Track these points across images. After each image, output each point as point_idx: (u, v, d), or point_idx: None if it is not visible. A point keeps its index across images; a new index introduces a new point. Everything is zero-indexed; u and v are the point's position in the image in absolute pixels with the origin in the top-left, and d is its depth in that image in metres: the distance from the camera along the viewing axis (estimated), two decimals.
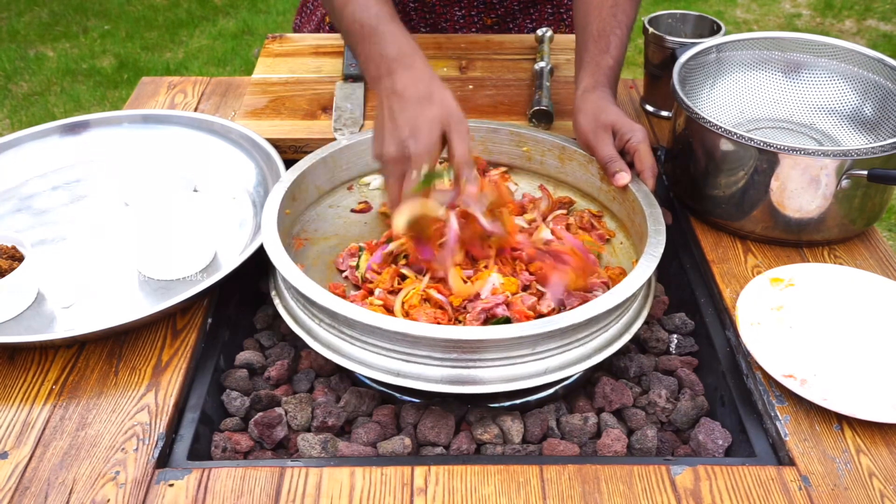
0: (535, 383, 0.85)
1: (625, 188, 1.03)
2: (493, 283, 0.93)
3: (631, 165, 1.03)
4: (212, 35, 3.92)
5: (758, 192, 1.05)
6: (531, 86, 1.35)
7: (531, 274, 0.97)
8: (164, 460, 0.82)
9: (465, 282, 0.93)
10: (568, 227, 1.07)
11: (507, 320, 0.89)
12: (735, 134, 1.03)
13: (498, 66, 1.42)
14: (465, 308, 0.92)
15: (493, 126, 1.17)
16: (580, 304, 0.90)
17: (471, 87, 1.36)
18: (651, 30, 1.30)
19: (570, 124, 1.11)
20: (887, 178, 1.00)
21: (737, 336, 0.95)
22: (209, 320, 0.99)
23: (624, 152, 1.04)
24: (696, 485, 0.79)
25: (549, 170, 1.16)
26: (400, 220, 0.90)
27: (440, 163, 0.91)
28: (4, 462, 0.81)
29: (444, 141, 0.89)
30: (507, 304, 0.91)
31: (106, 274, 1.04)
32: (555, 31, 1.54)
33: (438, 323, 0.90)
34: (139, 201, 1.06)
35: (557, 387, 0.96)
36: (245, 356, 1.00)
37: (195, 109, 1.38)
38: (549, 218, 1.09)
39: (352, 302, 0.89)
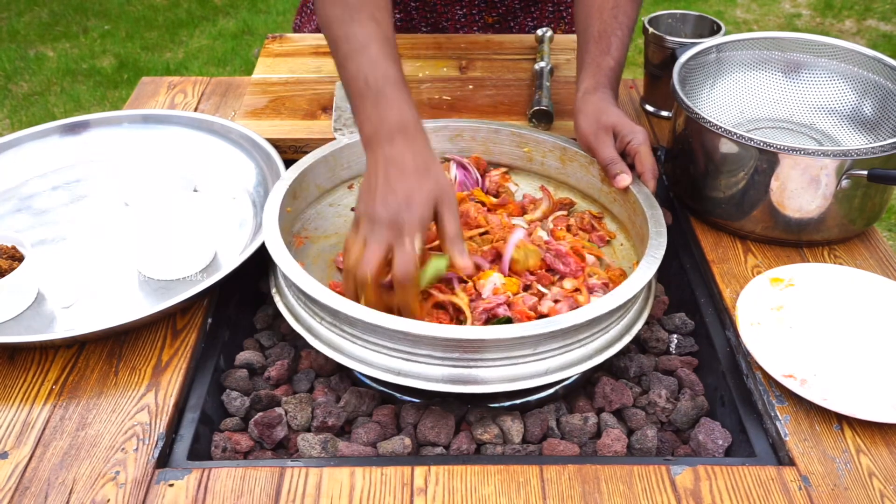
0: (536, 383, 0.85)
1: (626, 190, 1.03)
2: (494, 283, 0.93)
3: (632, 167, 1.03)
4: (212, 35, 3.92)
5: (758, 192, 1.05)
6: (531, 86, 1.35)
7: (532, 275, 0.97)
8: (164, 460, 0.82)
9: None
10: (569, 228, 1.07)
11: (509, 320, 0.89)
12: (735, 134, 1.03)
13: (498, 66, 1.42)
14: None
15: (495, 126, 1.17)
16: (571, 307, 0.91)
17: (471, 87, 1.36)
18: (651, 30, 1.30)
19: (571, 124, 1.11)
20: (887, 178, 1.00)
21: (737, 336, 0.95)
22: (209, 320, 0.99)
23: (625, 154, 1.04)
24: (696, 485, 0.79)
25: (550, 171, 1.16)
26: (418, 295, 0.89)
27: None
28: (4, 462, 0.81)
29: (435, 216, 0.89)
30: (509, 305, 0.91)
31: (106, 274, 1.04)
32: (555, 29, 1.54)
33: (440, 322, 0.90)
34: (139, 201, 1.06)
35: (557, 387, 0.96)
36: (245, 356, 1.00)
37: (195, 109, 1.38)
38: (550, 219, 1.09)
39: None
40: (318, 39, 1.51)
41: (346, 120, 1.26)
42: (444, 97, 1.33)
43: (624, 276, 0.99)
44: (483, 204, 1.09)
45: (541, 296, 0.94)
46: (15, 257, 0.98)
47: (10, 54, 3.68)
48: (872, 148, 1.00)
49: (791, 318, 0.96)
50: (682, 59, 1.17)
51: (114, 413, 0.86)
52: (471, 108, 1.30)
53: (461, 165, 1.14)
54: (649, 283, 0.95)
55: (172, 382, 0.90)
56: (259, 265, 1.02)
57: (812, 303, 0.98)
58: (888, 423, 0.84)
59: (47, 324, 0.97)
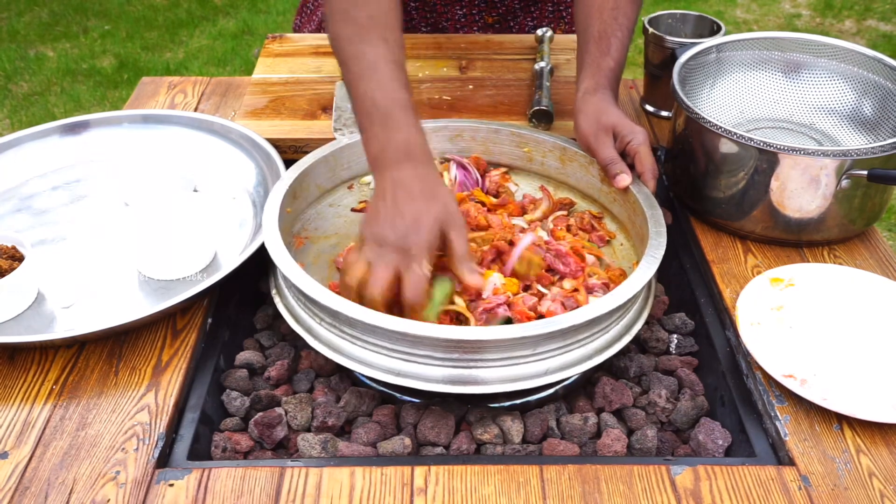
0: (536, 384, 0.85)
1: (626, 190, 1.03)
2: (494, 283, 0.93)
3: (632, 167, 1.03)
4: (212, 35, 3.92)
5: (758, 192, 1.05)
6: (531, 86, 1.35)
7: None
8: (164, 460, 0.82)
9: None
10: (568, 229, 1.07)
11: (509, 321, 0.89)
12: (735, 134, 1.03)
13: (498, 66, 1.42)
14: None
15: (495, 126, 1.17)
16: (571, 308, 0.90)
17: (471, 87, 1.36)
18: (651, 30, 1.30)
19: (571, 124, 1.11)
20: (887, 178, 1.00)
21: (737, 336, 0.95)
22: (209, 320, 0.99)
23: (625, 154, 1.04)
24: (696, 485, 0.79)
25: (550, 171, 1.16)
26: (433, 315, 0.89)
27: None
28: (4, 462, 0.81)
29: (442, 238, 0.89)
30: (509, 305, 0.91)
31: (106, 274, 1.04)
32: (555, 29, 1.54)
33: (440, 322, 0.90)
34: (139, 201, 1.06)
35: (557, 387, 0.96)
36: (245, 356, 1.00)
37: (195, 109, 1.38)
38: (550, 219, 1.09)
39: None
40: (318, 39, 1.51)
41: (346, 120, 1.26)
42: (444, 97, 1.33)
43: (624, 276, 0.99)
44: (483, 204, 1.09)
45: (541, 296, 0.94)
46: (15, 257, 0.98)
47: (10, 54, 3.68)
48: (872, 148, 1.00)
49: (791, 318, 0.96)
50: (682, 59, 1.17)
51: (114, 413, 0.86)
52: (471, 108, 1.30)
53: (461, 165, 1.14)
54: (649, 283, 0.95)
55: (172, 382, 0.90)
56: (259, 265, 1.02)
57: (812, 303, 0.98)
58: (888, 423, 0.84)
59: (47, 324, 0.97)
